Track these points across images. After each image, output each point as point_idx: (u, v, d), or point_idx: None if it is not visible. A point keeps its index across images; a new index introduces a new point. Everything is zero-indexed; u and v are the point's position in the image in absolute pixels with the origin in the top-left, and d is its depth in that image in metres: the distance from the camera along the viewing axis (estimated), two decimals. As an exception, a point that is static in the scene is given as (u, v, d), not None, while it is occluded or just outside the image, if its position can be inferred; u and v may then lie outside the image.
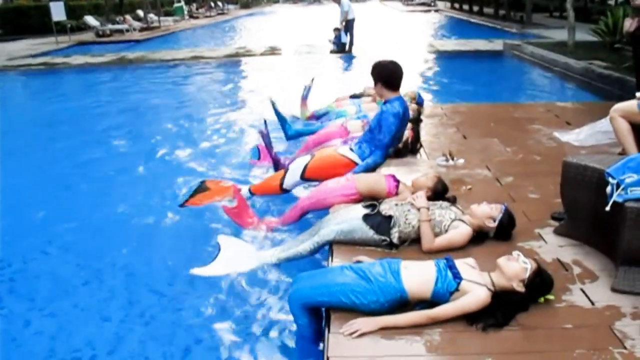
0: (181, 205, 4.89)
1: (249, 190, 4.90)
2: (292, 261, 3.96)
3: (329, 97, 8.66)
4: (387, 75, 4.66)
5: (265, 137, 5.60)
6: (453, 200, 4.03)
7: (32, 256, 4.86)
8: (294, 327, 3.46)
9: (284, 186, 4.87)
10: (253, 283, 4.04)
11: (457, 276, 2.94)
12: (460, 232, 3.62)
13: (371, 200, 4.17)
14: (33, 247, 5.00)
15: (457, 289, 2.90)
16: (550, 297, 3.02)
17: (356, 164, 4.79)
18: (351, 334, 2.81)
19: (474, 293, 2.88)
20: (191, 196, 4.95)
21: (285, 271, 4.03)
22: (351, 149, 4.90)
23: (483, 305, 2.87)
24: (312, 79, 8.44)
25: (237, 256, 4.10)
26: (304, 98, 8.11)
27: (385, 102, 4.74)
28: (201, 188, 5.00)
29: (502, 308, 2.87)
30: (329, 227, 3.79)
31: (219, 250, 4.18)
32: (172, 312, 3.95)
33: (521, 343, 2.75)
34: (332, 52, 17.41)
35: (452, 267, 3.00)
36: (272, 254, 4.01)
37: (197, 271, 4.05)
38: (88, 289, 4.33)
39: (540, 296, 2.99)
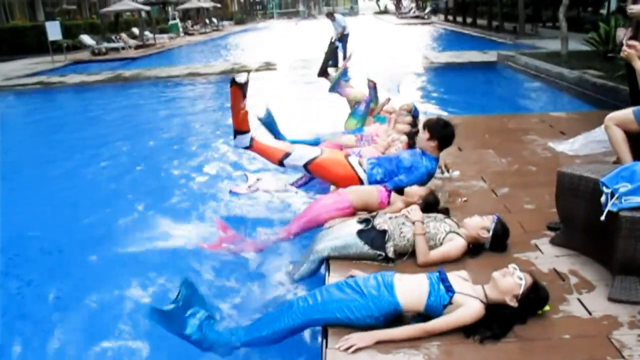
0: (232, 82, 4.38)
1: (250, 138, 4.70)
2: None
3: (327, 111, 8.63)
4: (447, 137, 4.68)
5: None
6: (446, 212, 4.03)
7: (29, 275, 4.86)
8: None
9: (284, 162, 4.83)
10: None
11: (449, 289, 2.94)
12: (455, 245, 3.63)
13: (364, 212, 4.19)
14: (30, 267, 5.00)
15: (450, 302, 2.90)
16: (546, 307, 3.01)
17: (360, 179, 4.77)
18: (347, 349, 2.80)
19: (469, 306, 2.88)
20: (240, 85, 4.39)
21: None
22: (359, 164, 4.88)
23: (478, 318, 2.87)
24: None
25: None
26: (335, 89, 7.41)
27: (423, 153, 4.73)
28: (246, 86, 4.47)
29: (497, 321, 2.87)
30: (323, 243, 3.79)
31: None
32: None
33: (519, 355, 2.74)
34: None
35: (444, 280, 3.00)
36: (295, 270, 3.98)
37: None
38: (84, 307, 4.31)
39: (535, 311, 2.99)
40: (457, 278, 3.05)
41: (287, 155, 4.72)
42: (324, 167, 4.81)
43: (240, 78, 4.39)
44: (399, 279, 3.05)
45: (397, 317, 2.96)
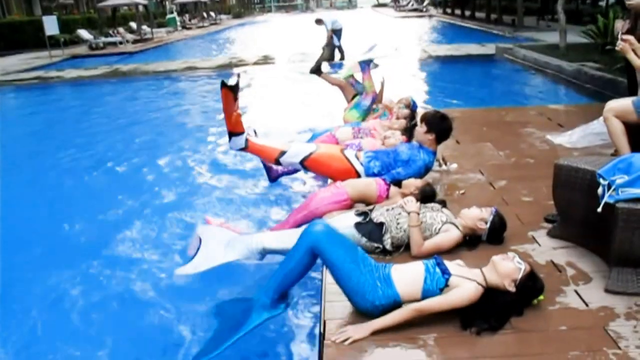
0: (222, 85, 4.46)
1: (245, 140, 4.65)
2: (276, 254, 3.84)
3: (324, 105, 8.62)
4: (444, 130, 4.72)
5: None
6: (443, 204, 4.04)
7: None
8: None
9: (280, 160, 4.82)
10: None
11: (445, 272, 2.95)
12: (449, 235, 3.64)
13: (362, 204, 4.19)
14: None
15: (446, 285, 2.92)
16: (540, 297, 3.02)
17: (357, 172, 4.77)
18: (343, 341, 2.81)
19: (463, 287, 2.89)
20: (231, 88, 4.33)
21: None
22: (356, 157, 4.88)
23: (472, 300, 2.87)
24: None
25: (218, 246, 3.87)
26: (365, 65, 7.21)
27: (420, 146, 4.75)
28: (236, 88, 4.40)
29: (492, 307, 2.87)
30: None
31: (200, 242, 3.94)
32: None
33: (516, 346, 2.75)
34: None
35: (440, 264, 3.02)
36: (258, 240, 3.83)
37: (180, 271, 3.85)
38: (77, 299, 4.33)
39: (531, 300, 3.00)
40: (453, 264, 3.07)
41: (283, 153, 4.70)
42: (321, 162, 4.79)
43: (231, 80, 4.36)
44: (396, 270, 3.06)
45: (395, 308, 2.94)
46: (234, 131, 4.53)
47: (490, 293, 2.91)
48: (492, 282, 2.94)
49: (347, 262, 3.01)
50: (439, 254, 3.35)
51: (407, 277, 3.00)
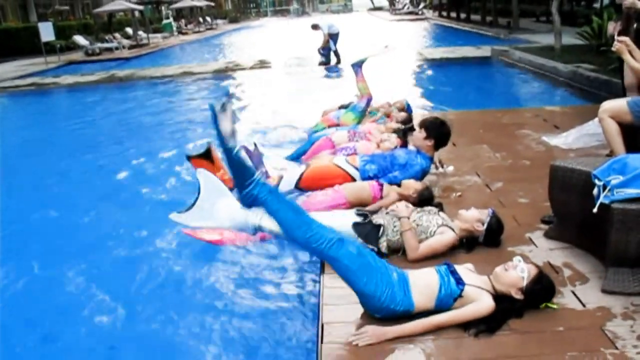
0: (188, 158, 4.40)
1: None
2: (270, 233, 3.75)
3: (319, 108, 8.63)
4: (443, 136, 4.79)
5: (255, 157, 5.57)
6: (439, 207, 4.05)
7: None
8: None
9: None
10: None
11: (460, 282, 2.94)
12: (444, 237, 3.65)
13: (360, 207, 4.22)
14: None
15: (460, 295, 2.91)
16: (553, 305, 3.02)
17: (352, 177, 4.80)
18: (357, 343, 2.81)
19: (482, 301, 2.89)
20: (200, 156, 4.36)
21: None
22: (347, 162, 4.90)
23: (490, 313, 2.88)
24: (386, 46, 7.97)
25: (218, 206, 3.77)
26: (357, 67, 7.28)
27: (418, 151, 4.77)
28: (208, 154, 4.40)
29: (501, 313, 2.89)
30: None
31: (199, 191, 3.82)
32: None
33: (514, 347, 2.76)
34: (320, 64, 17.50)
35: (453, 272, 3.00)
36: (257, 214, 3.60)
37: (175, 217, 3.78)
38: (73, 282, 4.42)
39: (542, 302, 3.00)
40: (464, 270, 3.07)
41: (277, 185, 4.76)
42: (316, 178, 4.84)
43: (194, 150, 4.30)
44: (411, 276, 3.03)
45: (405, 317, 2.93)
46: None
47: (499, 300, 2.93)
48: (500, 290, 2.96)
49: (360, 271, 2.89)
50: (436, 257, 3.35)
51: (422, 285, 2.97)
